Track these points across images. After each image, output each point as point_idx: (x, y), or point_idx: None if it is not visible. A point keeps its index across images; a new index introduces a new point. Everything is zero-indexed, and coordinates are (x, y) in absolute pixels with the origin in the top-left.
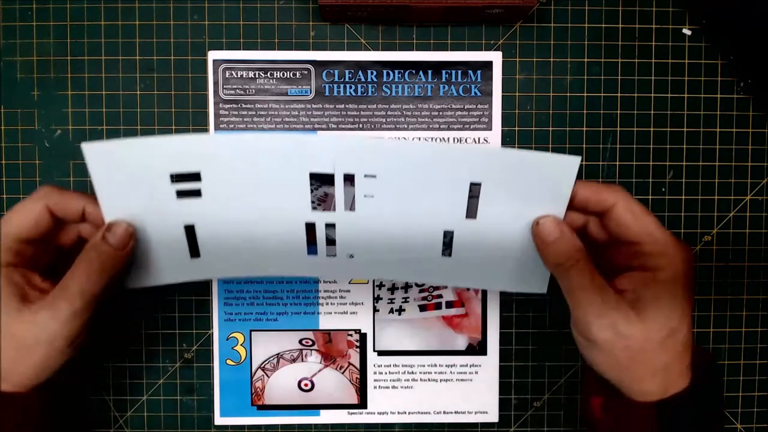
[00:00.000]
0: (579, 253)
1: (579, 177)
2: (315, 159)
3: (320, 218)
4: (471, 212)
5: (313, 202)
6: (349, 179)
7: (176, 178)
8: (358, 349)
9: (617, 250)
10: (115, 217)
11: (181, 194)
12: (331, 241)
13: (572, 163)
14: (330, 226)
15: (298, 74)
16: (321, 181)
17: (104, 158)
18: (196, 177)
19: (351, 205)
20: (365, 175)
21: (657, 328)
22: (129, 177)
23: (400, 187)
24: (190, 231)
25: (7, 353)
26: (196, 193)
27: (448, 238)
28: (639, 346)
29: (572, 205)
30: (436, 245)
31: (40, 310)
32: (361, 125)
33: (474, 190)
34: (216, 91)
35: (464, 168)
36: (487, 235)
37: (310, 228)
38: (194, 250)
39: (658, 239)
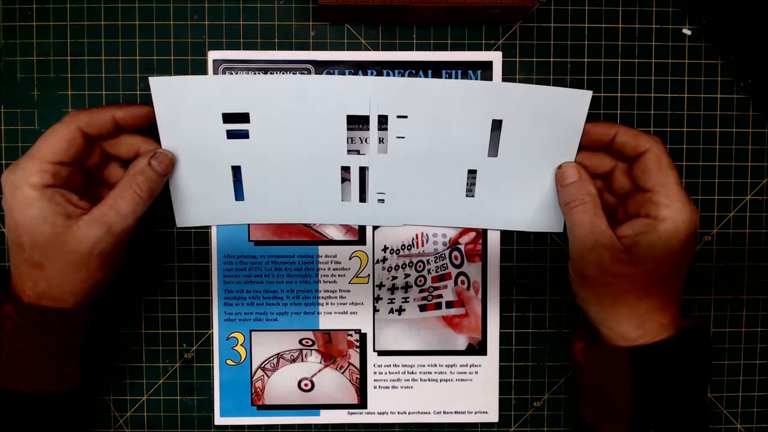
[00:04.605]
0: (588, 196)
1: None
2: (353, 100)
3: (355, 161)
4: (493, 150)
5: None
6: (382, 122)
7: (227, 118)
8: (358, 349)
9: (633, 197)
10: (171, 149)
11: (230, 135)
12: (363, 185)
13: (584, 96)
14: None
15: (298, 74)
16: (356, 123)
17: (168, 93)
18: (245, 118)
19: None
20: (398, 116)
21: (643, 273)
22: (187, 113)
23: (429, 127)
24: (236, 172)
25: (57, 269)
26: (244, 135)
27: (471, 177)
28: (622, 286)
29: (610, 147)
30: (461, 185)
31: (92, 223)
32: (361, 125)
33: (496, 127)
34: None
35: (486, 104)
36: (509, 173)
37: (345, 170)
38: (239, 193)
39: (671, 192)
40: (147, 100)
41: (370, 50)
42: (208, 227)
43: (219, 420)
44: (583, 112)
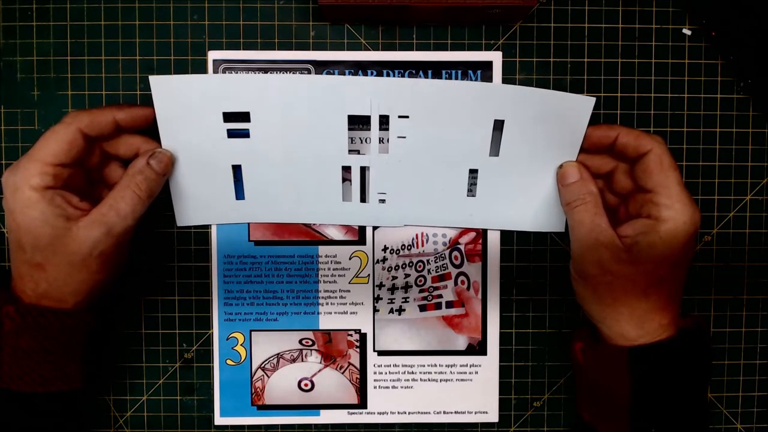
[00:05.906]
0: (589, 195)
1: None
2: (354, 100)
3: (356, 161)
4: (494, 149)
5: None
6: (383, 122)
7: (228, 117)
8: (358, 349)
9: (634, 197)
10: (171, 149)
11: (231, 134)
12: (363, 185)
13: (588, 102)
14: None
15: (298, 74)
16: (357, 123)
17: (168, 91)
18: (245, 118)
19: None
20: (399, 116)
21: (643, 273)
22: (188, 112)
23: (430, 127)
24: (236, 171)
25: (58, 270)
26: (245, 135)
27: (472, 177)
28: (622, 285)
29: (612, 149)
30: (462, 185)
31: (91, 224)
32: (362, 125)
33: (498, 127)
34: None
35: (489, 105)
36: (510, 172)
37: (346, 170)
38: (239, 192)
39: (672, 193)
40: (147, 100)
41: (370, 50)
42: (208, 227)
43: (219, 420)
44: (586, 117)
